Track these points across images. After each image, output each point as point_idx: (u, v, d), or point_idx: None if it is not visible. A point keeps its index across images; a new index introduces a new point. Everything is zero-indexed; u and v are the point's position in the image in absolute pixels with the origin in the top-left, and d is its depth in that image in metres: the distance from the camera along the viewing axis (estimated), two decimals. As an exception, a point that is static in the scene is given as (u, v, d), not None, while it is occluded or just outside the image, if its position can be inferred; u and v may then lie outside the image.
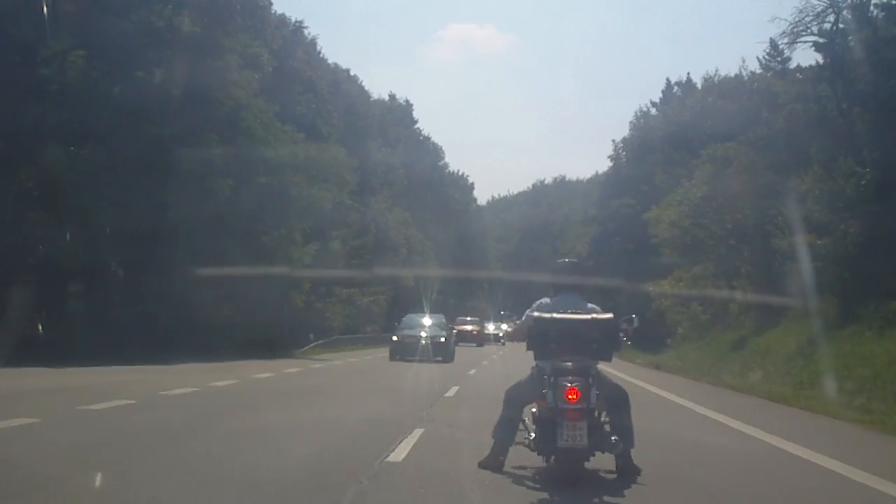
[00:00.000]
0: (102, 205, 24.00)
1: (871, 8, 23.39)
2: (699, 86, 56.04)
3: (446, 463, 7.44)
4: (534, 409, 6.85)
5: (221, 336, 26.17)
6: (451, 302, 62.59)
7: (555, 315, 6.93)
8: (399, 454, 7.65)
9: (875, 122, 21.44)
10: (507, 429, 7.04)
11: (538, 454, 6.82)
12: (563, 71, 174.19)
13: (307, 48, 52.08)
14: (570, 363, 6.58)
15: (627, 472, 6.81)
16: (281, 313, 32.98)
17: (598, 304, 7.32)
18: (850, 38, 23.45)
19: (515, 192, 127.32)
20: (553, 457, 6.62)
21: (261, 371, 18.92)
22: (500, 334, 43.76)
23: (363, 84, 65.80)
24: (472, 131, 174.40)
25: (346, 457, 7.53)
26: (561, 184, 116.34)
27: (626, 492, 6.43)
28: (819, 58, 25.95)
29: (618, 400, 6.95)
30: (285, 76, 41.25)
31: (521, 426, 7.07)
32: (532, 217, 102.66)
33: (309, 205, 31.74)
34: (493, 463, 6.98)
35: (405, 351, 26.50)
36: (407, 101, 78.98)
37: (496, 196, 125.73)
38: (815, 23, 23.68)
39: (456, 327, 37.11)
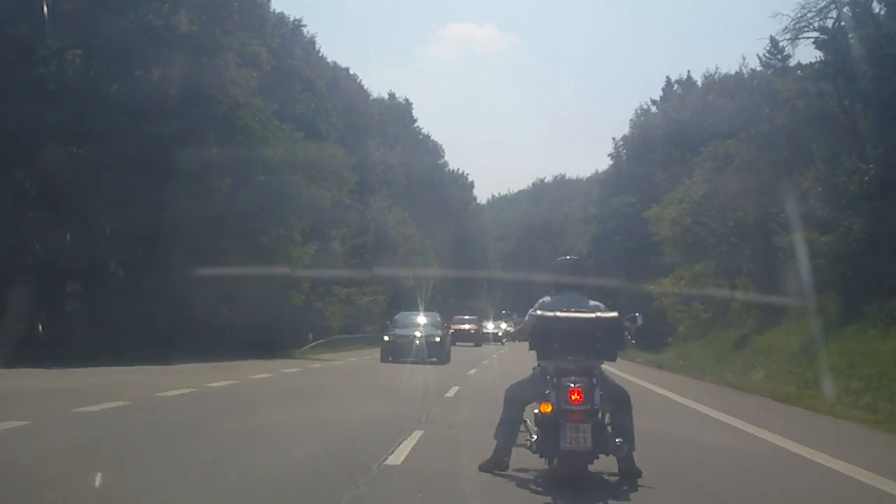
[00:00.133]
0: (101, 204, 23.92)
1: (874, 4, 23.38)
2: (699, 84, 56.10)
3: (446, 465, 7.33)
4: (535, 410, 6.71)
5: (221, 336, 26.14)
6: (451, 301, 62.56)
7: (558, 313, 6.79)
8: (398, 457, 7.54)
9: (878, 118, 21.32)
10: (508, 429, 6.92)
11: (540, 456, 6.70)
12: (562, 70, 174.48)
13: (306, 47, 51.90)
14: (573, 363, 6.46)
15: (630, 475, 6.70)
16: (280, 313, 32.93)
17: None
18: (851, 34, 23.36)
19: (515, 190, 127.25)
20: (556, 459, 6.50)
21: (259, 371, 18.83)
22: (500, 333, 43.66)
23: (362, 83, 65.60)
24: (472, 130, 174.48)
25: (345, 458, 7.43)
26: (561, 182, 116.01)
27: (631, 495, 6.32)
28: (820, 54, 26.00)
29: (620, 401, 6.84)
30: (284, 75, 41.09)
31: (522, 427, 6.95)
32: (532, 216, 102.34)
33: (308, 204, 31.61)
34: (497, 464, 6.86)
35: (398, 352, 24.72)
36: (406, 100, 78.85)
37: (496, 195, 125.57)
38: (817, 19, 23.71)
39: (453, 327, 36.88)
